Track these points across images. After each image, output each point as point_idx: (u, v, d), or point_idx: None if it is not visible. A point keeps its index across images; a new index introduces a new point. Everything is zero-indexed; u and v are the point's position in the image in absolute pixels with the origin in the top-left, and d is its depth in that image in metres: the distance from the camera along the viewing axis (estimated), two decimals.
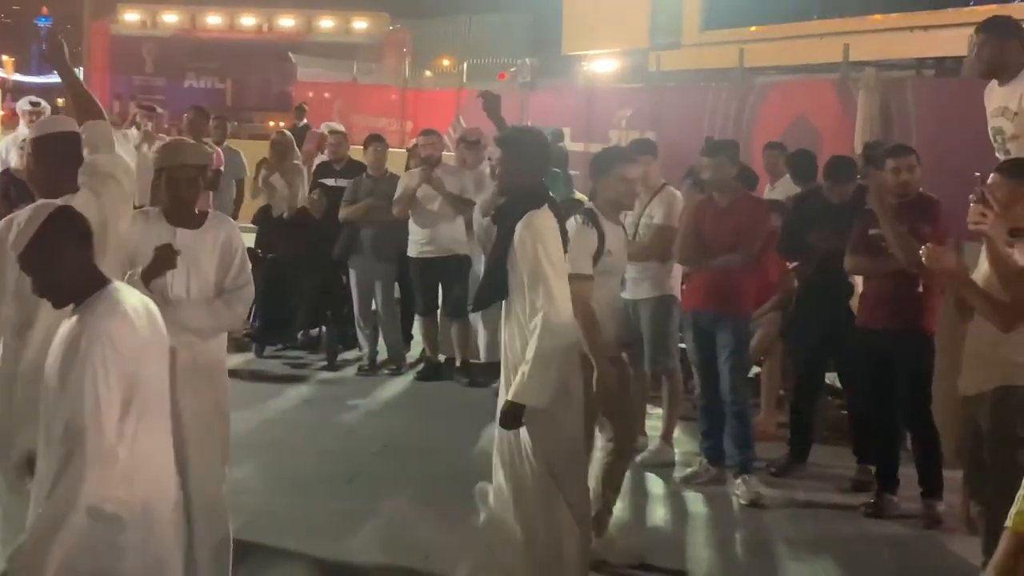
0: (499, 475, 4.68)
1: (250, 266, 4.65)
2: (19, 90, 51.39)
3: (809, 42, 13.06)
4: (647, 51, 15.97)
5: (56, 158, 4.20)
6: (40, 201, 3.58)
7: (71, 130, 4.29)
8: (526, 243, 4.46)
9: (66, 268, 3.26)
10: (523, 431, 4.55)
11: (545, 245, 4.48)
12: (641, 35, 16.19)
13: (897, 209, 5.89)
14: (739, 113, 12.00)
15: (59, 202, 3.51)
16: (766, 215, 6.65)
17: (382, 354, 9.14)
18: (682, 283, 6.99)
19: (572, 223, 5.04)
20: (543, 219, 4.55)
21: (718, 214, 6.40)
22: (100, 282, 3.28)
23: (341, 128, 10.83)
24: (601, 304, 5.12)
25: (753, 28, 14.16)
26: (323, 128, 10.68)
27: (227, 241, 4.54)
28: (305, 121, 16.56)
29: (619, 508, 6.15)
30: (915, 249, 5.15)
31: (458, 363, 8.81)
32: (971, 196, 4.23)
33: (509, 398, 4.51)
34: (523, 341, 4.50)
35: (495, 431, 4.68)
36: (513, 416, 4.50)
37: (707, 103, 12.41)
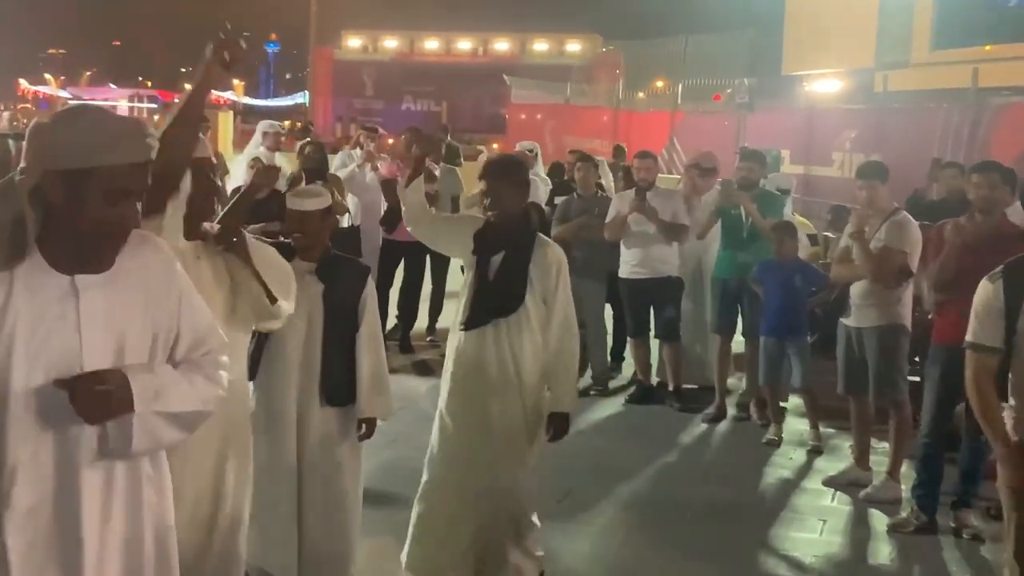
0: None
1: None
2: (248, 112, 54.29)
3: None
4: (873, 71, 15.51)
5: None
6: None
7: None
8: (551, 264, 4.81)
9: None
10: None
11: (566, 268, 4.90)
12: (867, 55, 15.71)
13: None
14: (971, 136, 11.47)
15: None
16: None
17: (584, 380, 8.75)
18: (928, 313, 6.52)
19: None
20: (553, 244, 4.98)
21: (976, 238, 5.85)
22: None
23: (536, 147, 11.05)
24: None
25: (988, 47, 13.53)
26: (517, 147, 10.81)
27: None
28: (309, 139, 16.25)
29: (840, 545, 5.91)
30: None
31: (670, 387, 8.63)
32: None
33: (564, 410, 4.94)
34: (534, 347, 4.81)
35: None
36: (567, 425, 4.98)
37: (937, 125, 11.92)
